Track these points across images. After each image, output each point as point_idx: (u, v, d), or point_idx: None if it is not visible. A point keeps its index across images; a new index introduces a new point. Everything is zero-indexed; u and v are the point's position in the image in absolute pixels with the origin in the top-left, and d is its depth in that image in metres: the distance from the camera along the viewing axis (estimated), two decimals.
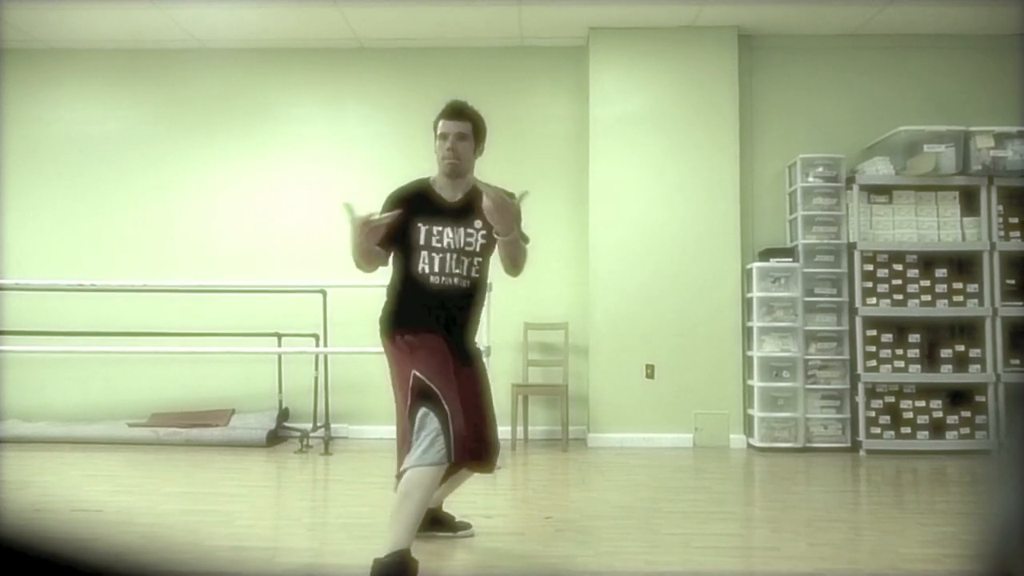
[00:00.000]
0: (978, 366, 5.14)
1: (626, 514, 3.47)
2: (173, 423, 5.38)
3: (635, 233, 5.53)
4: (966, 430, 5.12)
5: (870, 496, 4.18)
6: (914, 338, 5.19)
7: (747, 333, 5.48)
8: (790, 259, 5.37)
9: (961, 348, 5.17)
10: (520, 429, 5.41)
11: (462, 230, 2.65)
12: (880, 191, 5.33)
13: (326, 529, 3.30)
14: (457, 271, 2.64)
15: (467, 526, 3.06)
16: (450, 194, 2.71)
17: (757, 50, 5.75)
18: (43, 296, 5.66)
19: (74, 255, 5.86)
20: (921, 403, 5.16)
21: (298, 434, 5.13)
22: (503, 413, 5.29)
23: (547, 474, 4.55)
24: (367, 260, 2.57)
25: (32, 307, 5.69)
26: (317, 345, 5.43)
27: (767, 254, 5.43)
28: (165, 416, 5.49)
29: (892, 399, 5.18)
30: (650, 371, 5.46)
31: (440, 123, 2.71)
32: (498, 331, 5.37)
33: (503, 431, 5.21)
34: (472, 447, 2.58)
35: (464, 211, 2.67)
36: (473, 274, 2.69)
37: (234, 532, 3.12)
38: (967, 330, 5.23)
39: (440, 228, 2.63)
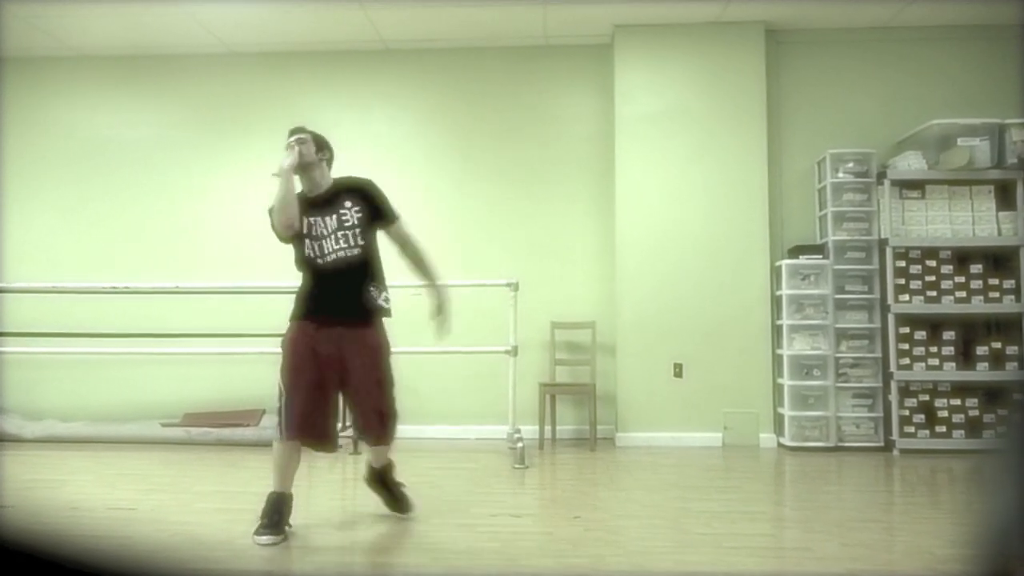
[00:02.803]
0: (1015, 363, 5.04)
1: (655, 514, 3.45)
2: (205, 423, 5.45)
3: (662, 231, 5.50)
4: (1003, 429, 5.02)
5: (904, 496, 4.11)
6: (949, 335, 5.10)
7: (776, 331, 5.42)
8: (820, 256, 5.31)
9: (997, 345, 5.08)
10: (548, 428, 5.41)
11: (334, 215, 3.08)
12: (912, 186, 5.25)
13: (356, 527, 3.32)
14: (342, 244, 3.06)
15: (408, 509, 3.35)
16: (315, 190, 3.16)
17: (784, 45, 5.69)
18: (77, 299, 5.76)
19: (108, 258, 5.96)
20: (956, 401, 5.07)
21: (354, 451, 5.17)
22: (531, 412, 5.32)
23: (575, 473, 4.54)
24: (287, 212, 3.01)
25: (67, 310, 5.80)
26: None
27: (796, 251, 5.37)
28: (197, 416, 5.57)
29: (926, 397, 5.10)
30: (678, 370, 5.43)
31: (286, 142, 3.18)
32: (525, 330, 5.37)
33: (531, 430, 5.24)
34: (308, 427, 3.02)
35: (329, 201, 3.12)
36: (358, 242, 3.09)
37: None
38: (1003, 327, 5.13)
39: (314, 219, 3.08)
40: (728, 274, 5.44)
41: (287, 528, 3.02)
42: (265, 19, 5.45)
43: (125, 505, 3.60)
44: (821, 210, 5.51)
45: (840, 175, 5.34)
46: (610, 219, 5.67)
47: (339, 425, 3.24)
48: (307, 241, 3.07)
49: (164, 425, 5.47)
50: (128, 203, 6.04)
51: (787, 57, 5.69)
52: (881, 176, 5.24)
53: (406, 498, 3.37)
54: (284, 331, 3.10)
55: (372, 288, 3.11)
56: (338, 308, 3.05)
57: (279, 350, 3.10)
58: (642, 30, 5.58)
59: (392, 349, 3.20)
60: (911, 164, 5.21)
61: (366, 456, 3.38)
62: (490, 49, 5.91)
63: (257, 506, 3.50)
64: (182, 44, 5.85)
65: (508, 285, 5.19)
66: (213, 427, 5.37)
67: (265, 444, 5.18)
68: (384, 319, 3.19)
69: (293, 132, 3.19)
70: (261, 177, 6.05)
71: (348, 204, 3.10)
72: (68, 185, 6.08)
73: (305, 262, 3.09)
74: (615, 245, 5.56)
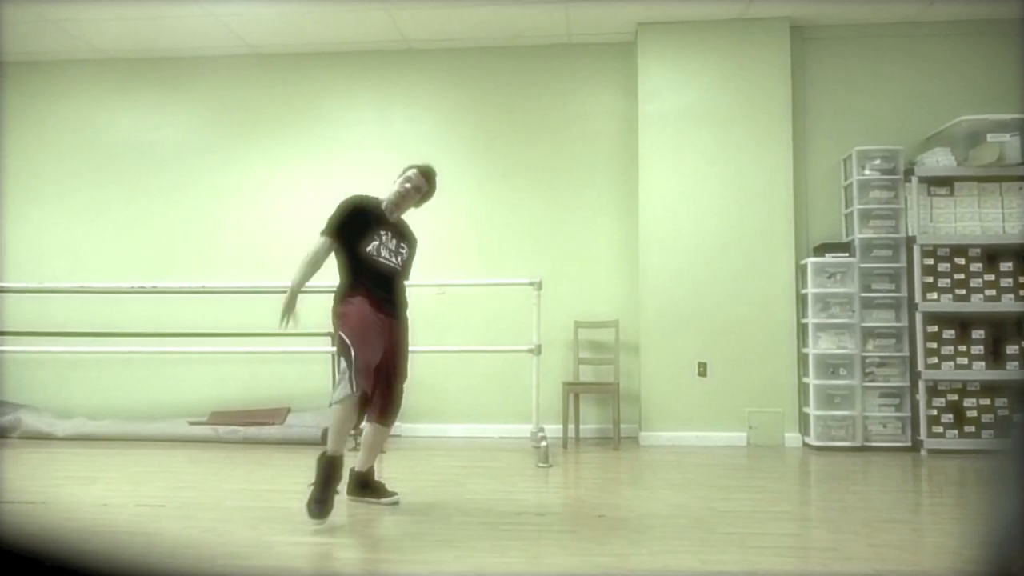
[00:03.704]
0: None
1: (680, 513, 3.44)
2: (232, 421, 5.51)
3: (686, 229, 5.47)
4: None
5: (932, 496, 4.06)
6: (978, 334, 5.03)
7: (802, 330, 5.38)
8: (846, 254, 5.26)
9: None
10: (571, 427, 5.41)
11: (396, 240, 3.57)
12: (941, 183, 5.18)
13: (381, 525, 3.34)
14: (394, 260, 3.54)
15: (393, 494, 3.57)
16: (391, 216, 3.60)
17: (809, 41, 5.64)
18: (106, 299, 5.85)
19: (135, 258, 6.05)
20: (986, 401, 5.00)
21: (352, 432, 5.20)
22: (554, 411, 5.33)
23: (599, 472, 4.54)
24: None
25: (96, 310, 5.89)
26: None
27: (822, 249, 5.32)
28: (224, 414, 5.63)
29: (955, 397, 5.03)
30: (702, 369, 5.40)
31: (409, 171, 3.62)
32: (548, 330, 5.37)
33: (554, 429, 5.24)
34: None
35: (399, 231, 3.62)
36: (401, 262, 3.59)
37: (292, 527, 3.19)
38: None
39: (387, 233, 3.54)
40: (753, 272, 5.41)
41: (335, 494, 3.25)
42: (288, 20, 5.50)
43: (154, 502, 3.65)
44: (847, 208, 5.46)
45: (867, 172, 5.29)
46: (633, 217, 5.65)
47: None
48: (374, 243, 3.46)
49: (192, 423, 5.54)
50: (155, 204, 6.12)
51: (812, 53, 5.64)
52: (909, 173, 5.18)
53: (384, 486, 3.63)
54: (340, 304, 3.41)
55: (404, 291, 3.62)
56: (386, 298, 3.46)
57: (334, 326, 3.42)
58: (665, 27, 5.56)
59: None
60: (939, 161, 5.14)
61: (353, 464, 3.58)
62: (513, 48, 5.92)
63: (284, 503, 3.55)
64: (206, 45, 5.92)
65: (531, 284, 5.19)
66: (240, 425, 5.43)
67: (291, 442, 5.25)
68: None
69: (423, 173, 3.57)
70: (286, 177, 6.11)
71: (404, 248, 3.59)
72: (95, 186, 6.17)
73: (365, 255, 3.43)
74: (638, 243, 5.54)
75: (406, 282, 3.65)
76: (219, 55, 6.07)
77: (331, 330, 5.78)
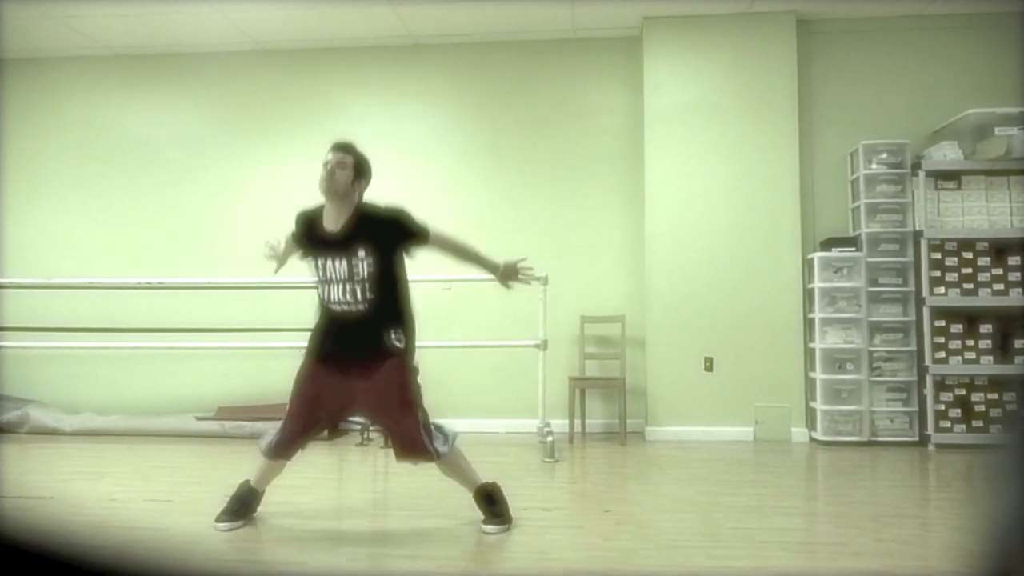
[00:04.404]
0: None
1: (686, 508, 3.43)
2: (238, 416, 5.52)
3: (692, 224, 5.46)
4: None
5: (940, 491, 4.05)
6: (986, 328, 5.01)
7: (808, 324, 5.36)
8: (853, 248, 5.24)
9: None
10: (577, 422, 5.41)
11: (344, 261, 2.92)
12: (948, 176, 5.15)
13: (387, 520, 3.35)
14: (350, 299, 2.93)
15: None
16: (333, 223, 2.99)
17: (815, 35, 5.61)
18: (114, 294, 5.86)
19: (143, 254, 6.06)
20: (994, 395, 4.98)
21: (359, 427, 5.22)
22: (560, 406, 5.32)
23: (605, 467, 4.54)
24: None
25: (103, 306, 5.90)
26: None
27: (829, 243, 5.31)
28: (230, 410, 5.65)
29: (963, 391, 5.01)
30: (709, 364, 5.39)
31: (326, 155, 3.04)
32: (554, 325, 5.37)
33: (560, 423, 5.24)
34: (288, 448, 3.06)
35: (346, 241, 2.94)
36: (368, 296, 2.93)
37: (299, 522, 3.20)
38: None
39: (324, 260, 2.96)
40: (759, 267, 5.39)
41: (252, 516, 3.13)
42: (294, 16, 5.49)
43: (162, 497, 3.66)
44: (854, 202, 5.44)
45: (873, 166, 5.26)
46: (639, 212, 5.64)
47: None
48: (319, 284, 2.99)
49: (199, 419, 5.56)
50: (162, 199, 6.13)
51: (819, 47, 5.62)
52: (916, 167, 5.16)
53: (498, 512, 3.09)
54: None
55: (384, 334, 2.94)
56: (347, 353, 2.95)
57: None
58: (671, 22, 5.54)
59: (415, 371, 3.06)
60: (947, 154, 5.11)
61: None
62: (518, 43, 5.90)
63: (290, 498, 3.56)
64: (212, 42, 5.92)
65: (537, 279, 5.18)
66: (246, 421, 5.44)
67: None
68: (407, 352, 3.01)
69: (336, 148, 3.03)
70: (292, 172, 6.10)
71: (362, 254, 2.90)
72: (102, 182, 6.19)
73: (318, 298, 3.04)
74: (644, 238, 5.53)
75: (435, 237, 3.07)
76: (225, 51, 6.07)
77: None
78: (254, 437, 5.27)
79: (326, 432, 3.40)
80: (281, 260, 3.19)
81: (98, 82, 6.24)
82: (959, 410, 4.99)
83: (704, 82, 5.54)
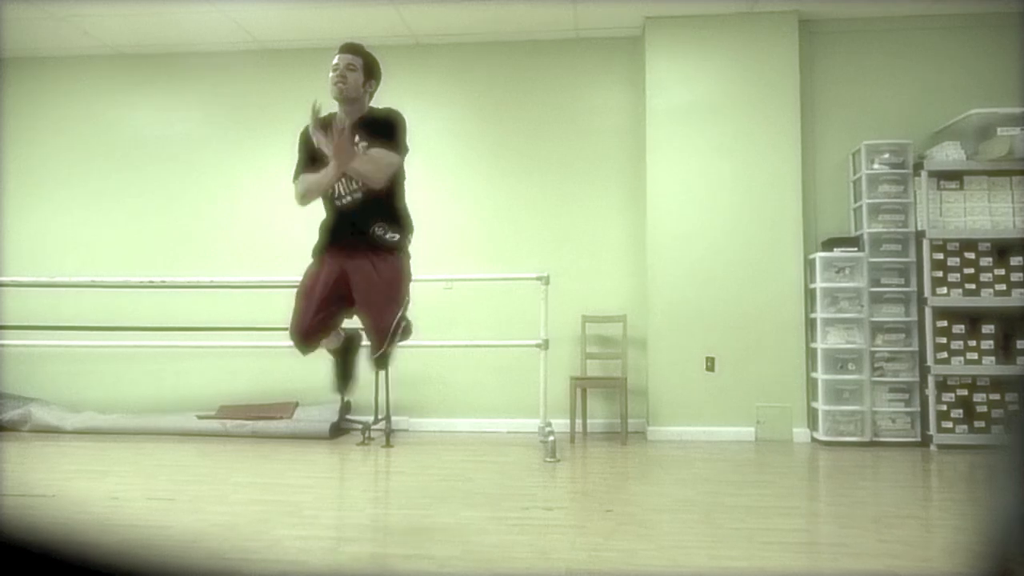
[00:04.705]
0: None
1: (688, 508, 3.43)
2: (240, 415, 5.53)
3: (694, 224, 5.46)
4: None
5: (942, 492, 4.05)
6: (988, 329, 5.00)
7: (810, 324, 5.36)
8: (855, 248, 5.23)
9: None
10: (579, 422, 5.41)
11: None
12: (950, 177, 5.15)
13: (389, 519, 3.35)
14: (348, 188, 2.98)
15: None
16: (344, 117, 3.00)
17: (818, 35, 5.61)
18: (116, 293, 5.87)
19: (145, 252, 6.07)
20: (996, 396, 4.97)
21: (360, 427, 5.22)
22: (562, 406, 5.32)
23: (607, 467, 4.54)
24: (313, 198, 3.03)
25: (106, 304, 5.91)
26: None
27: (831, 243, 5.30)
28: (232, 409, 5.65)
29: (965, 392, 5.01)
30: (710, 363, 5.39)
31: (333, 59, 3.05)
32: (556, 324, 5.36)
33: (562, 424, 5.24)
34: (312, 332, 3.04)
35: (351, 135, 2.95)
36: (362, 186, 2.97)
37: (300, 521, 3.20)
38: None
39: None
40: (761, 267, 5.39)
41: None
42: (297, 16, 5.50)
43: (164, 496, 3.67)
44: (856, 202, 5.43)
45: (875, 166, 5.26)
46: (641, 212, 5.64)
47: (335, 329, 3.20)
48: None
49: (200, 417, 5.56)
50: (165, 199, 6.14)
51: (821, 47, 5.61)
52: (918, 167, 5.15)
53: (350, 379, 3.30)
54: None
55: (378, 227, 2.99)
56: (346, 241, 3.00)
57: None
58: (673, 22, 5.53)
59: (409, 276, 3.10)
60: (949, 155, 5.11)
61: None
62: (520, 43, 5.90)
63: (292, 497, 3.56)
64: (217, 41, 5.93)
65: (539, 279, 5.18)
66: (248, 419, 5.45)
67: (299, 437, 5.27)
68: (400, 249, 3.07)
69: (345, 50, 3.05)
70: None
71: (362, 145, 2.96)
72: (105, 182, 6.19)
73: (327, 200, 3.05)
74: (646, 238, 5.53)
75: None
76: (229, 51, 6.08)
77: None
78: (256, 436, 5.31)
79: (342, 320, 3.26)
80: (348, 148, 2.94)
81: (101, 81, 6.24)
82: (961, 411, 4.99)
83: (706, 82, 5.54)
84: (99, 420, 5.60)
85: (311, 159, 3.03)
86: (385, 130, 3.00)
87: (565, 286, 5.55)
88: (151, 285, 5.70)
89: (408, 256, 3.12)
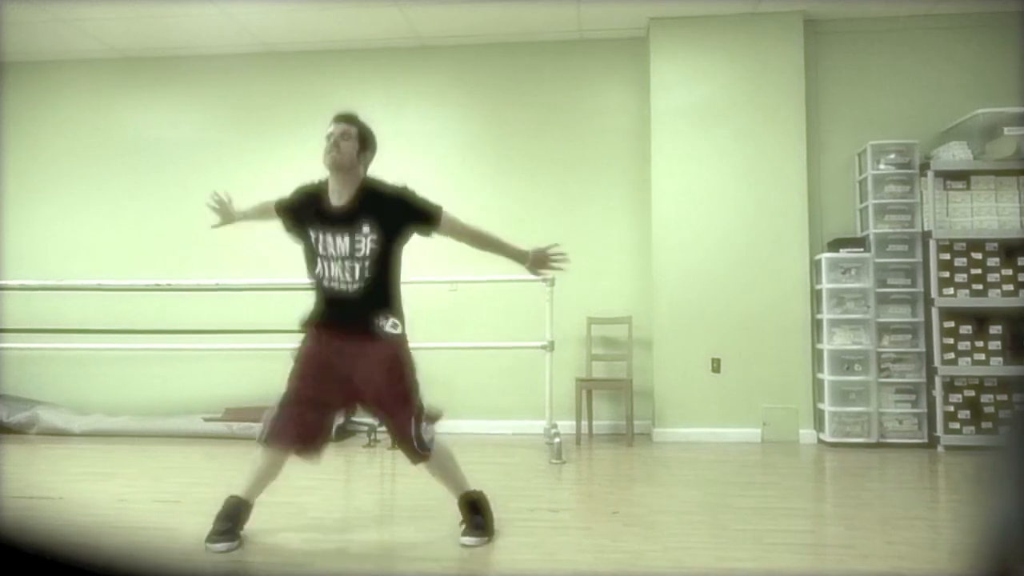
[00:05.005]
0: None
1: (694, 509, 3.43)
2: (246, 417, 5.53)
3: (699, 225, 5.45)
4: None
5: (950, 493, 4.03)
6: (995, 329, 4.98)
7: (816, 325, 5.35)
8: (861, 249, 5.22)
9: None
10: (584, 424, 5.40)
11: (347, 237, 2.79)
12: (957, 177, 5.13)
13: (394, 521, 3.35)
14: (347, 278, 2.80)
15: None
16: (337, 198, 2.86)
17: (823, 35, 5.59)
18: (123, 296, 5.89)
19: (151, 255, 6.08)
20: (1004, 397, 4.95)
21: (366, 429, 5.22)
22: (567, 407, 5.31)
23: (612, 469, 4.53)
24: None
25: (113, 307, 5.93)
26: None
27: (836, 244, 5.29)
28: (238, 411, 5.66)
29: (972, 393, 4.99)
30: (716, 365, 5.38)
31: (328, 128, 2.97)
32: (561, 326, 5.36)
33: (567, 425, 5.23)
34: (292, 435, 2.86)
35: (350, 217, 2.81)
36: (365, 275, 2.80)
37: (307, 523, 3.20)
38: None
39: (326, 236, 2.82)
40: (766, 268, 5.38)
41: (240, 535, 2.85)
42: (302, 17, 5.51)
43: (170, 498, 3.68)
44: (862, 202, 5.42)
45: (882, 167, 5.25)
46: (646, 213, 5.63)
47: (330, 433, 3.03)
48: (318, 259, 2.84)
49: (206, 420, 5.57)
50: (170, 201, 6.15)
51: (826, 47, 5.60)
52: (924, 167, 5.14)
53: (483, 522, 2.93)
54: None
55: (378, 319, 2.83)
56: (346, 327, 2.84)
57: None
58: (678, 23, 5.53)
59: (413, 364, 2.94)
60: (956, 155, 5.09)
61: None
62: (525, 44, 5.90)
63: (296, 499, 3.56)
64: (220, 44, 5.94)
65: (544, 280, 5.18)
66: (254, 422, 5.44)
67: None
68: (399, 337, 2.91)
69: (339, 119, 2.97)
70: (300, 173, 6.08)
71: (365, 230, 2.79)
72: (111, 184, 6.21)
73: (315, 277, 2.89)
74: (651, 239, 5.53)
75: (447, 221, 3.00)
76: (232, 53, 6.09)
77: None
78: None
79: (335, 425, 3.12)
80: (231, 218, 3.13)
81: (105, 84, 6.27)
82: (968, 412, 4.97)
83: (711, 82, 5.53)
84: (106, 423, 5.62)
85: (294, 223, 2.98)
86: (418, 210, 2.91)
87: (570, 288, 5.54)
88: (157, 288, 5.72)
89: (407, 342, 2.94)
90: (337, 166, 2.86)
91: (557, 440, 4.59)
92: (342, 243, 2.79)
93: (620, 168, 5.79)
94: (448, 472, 2.99)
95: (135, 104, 6.26)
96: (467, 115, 5.96)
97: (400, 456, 4.78)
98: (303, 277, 3.14)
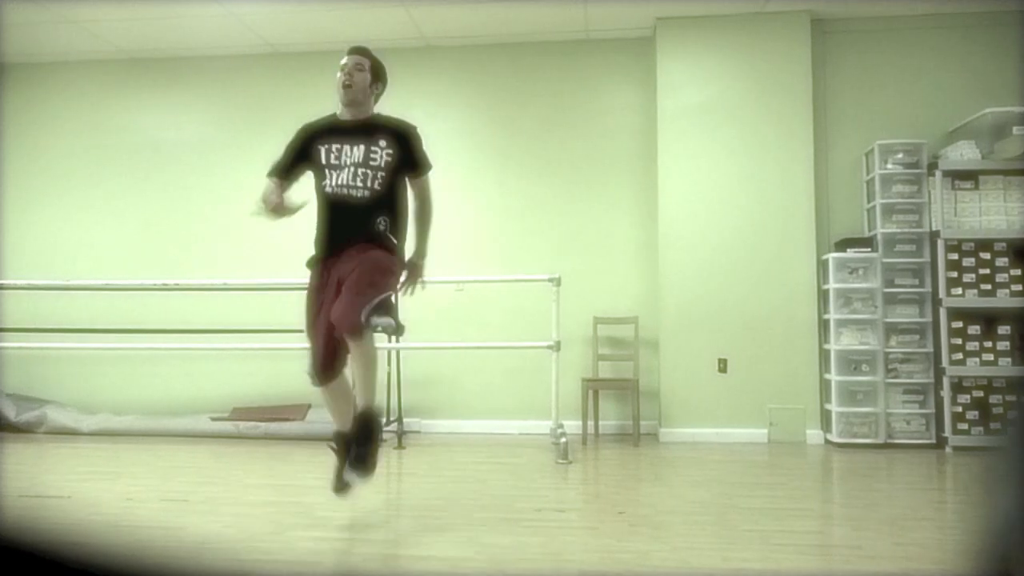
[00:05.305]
0: None
1: (701, 509, 3.42)
2: (253, 417, 5.55)
3: (705, 225, 5.44)
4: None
5: (958, 494, 4.01)
6: (1004, 330, 4.96)
7: (823, 326, 5.33)
8: (868, 249, 5.20)
9: None
10: (590, 424, 5.40)
11: (363, 146, 2.89)
12: (965, 176, 5.11)
13: (401, 520, 3.36)
14: (358, 183, 2.87)
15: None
16: (349, 118, 3.00)
17: (830, 35, 5.58)
18: (130, 296, 5.91)
19: (158, 255, 6.10)
20: (1012, 397, 4.93)
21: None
22: (573, 408, 5.31)
23: (619, 469, 4.53)
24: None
25: (120, 307, 5.95)
26: (389, 341, 5.51)
27: (844, 244, 5.27)
28: (245, 410, 5.68)
29: (980, 394, 4.97)
30: (722, 365, 5.37)
31: (341, 60, 3.03)
32: (567, 326, 5.36)
33: (573, 426, 5.23)
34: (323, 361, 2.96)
35: (365, 130, 2.95)
36: (375, 186, 2.89)
37: (313, 523, 3.21)
38: None
39: (339, 145, 2.91)
40: (773, 268, 5.36)
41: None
42: (307, 18, 5.52)
43: (178, 497, 3.68)
44: (869, 202, 5.40)
45: (889, 166, 5.23)
46: (653, 213, 5.62)
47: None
48: (325, 170, 2.90)
49: (214, 419, 5.59)
50: (177, 201, 6.17)
51: (834, 47, 5.58)
52: (932, 167, 5.12)
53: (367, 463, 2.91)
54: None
55: (380, 222, 2.89)
56: (342, 240, 2.90)
57: None
58: (684, 22, 5.52)
59: (398, 273, 2.95)
60: (964, 154, 5.07)
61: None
62: (530, 44, 5.90)
63: (305, 498, 3.57)
64: (226, 44, 5.96)
65: (550, 280, 5.18)
66: (261, 421, 5.47)
67: (312, 438, 5.28)
68: (398, 247, 2.97)
69: (353, 51, 3.04)
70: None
71: (383, 143, 2.91)
72: (117, 184, 6.23)
73: (318, 191, 2.94)
74: (658, 239, 5.52)
75: (425, 181, 3.02)
76: (239, 53, 6.11)
77: None
78: (268, 437, 5.33)
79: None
80: (284, 209, 2.87)
81: (112, 85, 6.29)
82: (977, 412, 4.95)
83: (718, 82, 5.52)
84: (114, 422, 5.64)
85: (295, 161, 3.00)
86: (413, 153, 3.01)
87: (576, 287, 5.54)
88: (164, 288, 5.74)
89: (402, 258, 3.01)
90: (351, 97, 2.97)
91: (563, 440, 4.59)
92: (356, 151, 2.89)
93: (626, 168, 5.79)
94: (365, 374, 2.89)
95: (141, 104, 6.28)
96: (473, 115, 5.96)
97: (406, 455, 4.80)
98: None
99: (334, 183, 2.89)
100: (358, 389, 2.96)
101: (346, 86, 2.96)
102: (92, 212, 6.24)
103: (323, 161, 2.93)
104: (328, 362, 2.99)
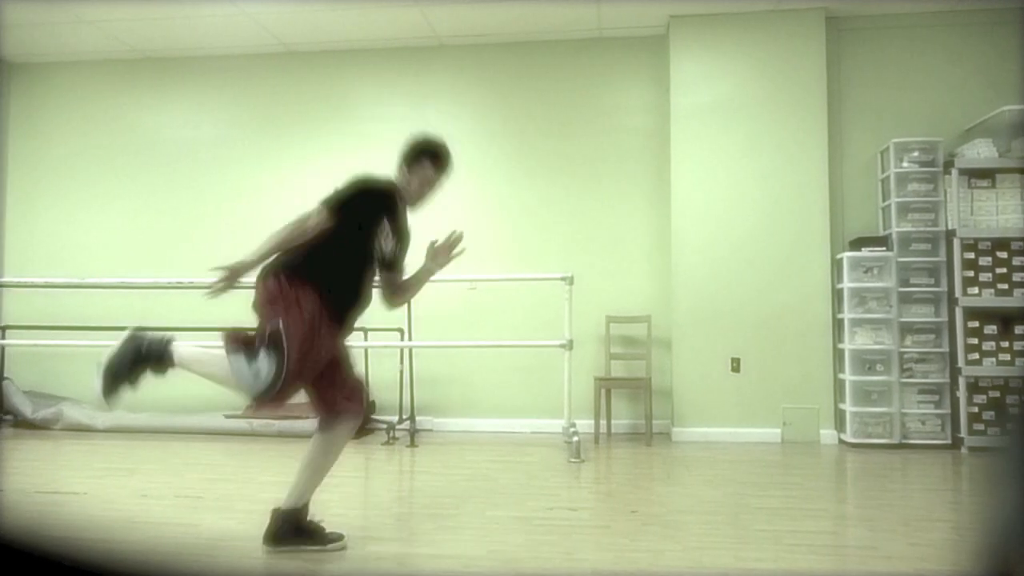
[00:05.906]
0: None
1: (713, 509, 3.41)
2: (266, 415, 5.57)
3: (719, 223, 5.42)
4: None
5: (974, 495, 3.98)
6: (1021, 330, 4.91)
7: (838, 325, 5.30)
8: (883, 248, 5.17)
9: None
10: (603, 423, 5.39)
11: (393, 240, 2.92)
12: (982, 175, 5.07)
13: (413, 519, 3.36)
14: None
15: (338, 537, 2.83)
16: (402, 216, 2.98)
17: (845, 32, 5.54)
18: (145, 294, 5.95)
19: (172, 253, 6.14)
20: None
21: (384, 426, 5.24)
22: (586, 406, 5.30)
23: (631, 468, 4.52)
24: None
25: (134, 304, 5.99)
26: (402, 339, 5.53)
27: (859, 243, 5.24)
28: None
29: (997, 394, 4.92)
30: (736, 364, 5.35)
31: (433, 170, 2.94)
32: (580, 324, 5.35)
33: (586, 424, 5.23)
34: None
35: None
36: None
37: (326, 521, 3.21)
38: None
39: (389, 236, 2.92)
40: (787, 267, 5.34)
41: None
42: (320, 17, 5.54)
43: (192, 494, 3.71)
44: (884, 201, 5.36)
45: (905, 165, 5.19)
46: (666, 212, 5.61)
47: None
48: (375, 244, 2.86)
49: (228, 416, 5.62)
50: (193, 200, 6.21)
51: (849, 44, 5.55)
52: (948, 165, 5.08)
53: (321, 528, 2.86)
54: (292, 284, 2.99)
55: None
56: (344, 311, 3.01)
57: (265, 303, 3.11)
58: (698, 20, 5.50)
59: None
60: (981, 152, 5.03)
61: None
62: (544, 43, 5.90)
63: (317, 496, 3.58)
64: (239, 43, 5.99)
65: (563, 279, 5.17)
66: (274, 419, 5.49)
67: None
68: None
69: (447, 169, 2.98)
70: (319, 173, 6.14)
71: (396, 247, 3.04)
72: (132, 183, 6.28)
73: (354, 255, 2.88)
74: (671, 238, 5.50)
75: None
76: (253, 53, 6.14)
77: (363, 326, 5.79)
78: (282, 435, 5.35)
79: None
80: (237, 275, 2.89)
81: (128, 85, 6.33)
82: (993, 413, 4.90)
83: (731, 80, 5.50)
84: (129, 419, 5.68)
85: (367, 221, 2.84)
86: None
87: (589, 286, 5.53)
88: (180, 286, 5.76)
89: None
90: (419, 205, 2.98)
91: (575, 439, 4.58)
92: (392, 240, 2.94)
93: (640, 166, 5.77)
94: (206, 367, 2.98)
95: (156, 104, 6.32)
96: (487, 114, 5.96)
97: (419, 453, 4.81)
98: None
99: (377, 251, 2.89)
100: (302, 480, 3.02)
101: (422, 198, 2.96)
102: (109, 210, 6.29)
103: (377, 236, 2.90)
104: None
